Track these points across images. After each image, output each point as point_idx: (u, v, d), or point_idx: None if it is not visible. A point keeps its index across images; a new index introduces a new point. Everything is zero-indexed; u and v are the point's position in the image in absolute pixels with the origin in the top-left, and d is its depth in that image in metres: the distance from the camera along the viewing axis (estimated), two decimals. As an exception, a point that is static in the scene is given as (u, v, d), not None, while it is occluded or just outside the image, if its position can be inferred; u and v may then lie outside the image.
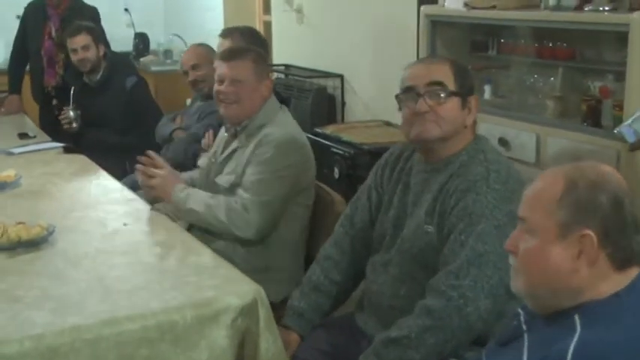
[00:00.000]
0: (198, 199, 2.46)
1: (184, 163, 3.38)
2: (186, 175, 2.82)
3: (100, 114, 4.11)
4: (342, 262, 2.12)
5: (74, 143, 3.77)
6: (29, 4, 4.74)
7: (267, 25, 6.04)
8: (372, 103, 4.57)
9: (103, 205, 2.64)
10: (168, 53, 6.82)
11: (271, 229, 2.44)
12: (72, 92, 4.13)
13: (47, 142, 3.71)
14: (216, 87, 2.56)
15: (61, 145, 3.62)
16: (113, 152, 3.96)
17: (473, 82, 1.98)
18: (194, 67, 3.60)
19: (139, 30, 6.80)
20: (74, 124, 4.07)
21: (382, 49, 4.45)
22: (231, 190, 2.48)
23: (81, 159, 3.34)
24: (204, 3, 6.60)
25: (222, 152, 2.61)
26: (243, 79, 2.51)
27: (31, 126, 4.27)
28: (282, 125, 2.51)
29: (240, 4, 6.14)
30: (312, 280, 2.12)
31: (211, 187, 2.56)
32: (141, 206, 2.63)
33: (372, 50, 4.53)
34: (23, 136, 3.84)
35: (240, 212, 2.39)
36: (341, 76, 4.72)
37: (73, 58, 4.12)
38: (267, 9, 6.05)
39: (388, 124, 4.25)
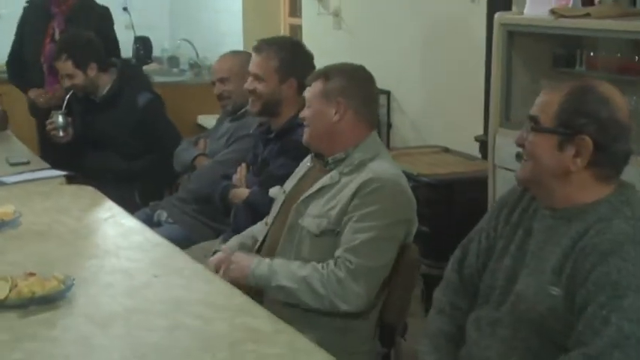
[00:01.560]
0: (285, 273, 2.39)
1: (208, 197, 3.31)
2: (234, 241, 2.76)
3: (104, 134, 4.08)
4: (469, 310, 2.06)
5: (73, 168, 3.72)
6: (27, 5, 4.71)
7: (294, 30, 6.02)
8: (424, 124, 4.51)
9: (124, 251, 2.57)
10: (173, 61, 6.78)
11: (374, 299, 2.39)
12: (67, 96, 4.11)
13: (45, 169, 3.66)
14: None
15: (62, 173, 3.56)
16: (120, 180, 3.93)
17: (587, 119, 1.87)
18: (222, 80, 3.56)
19: (139, 33, 6.77)
20: (61, 133, 4.04)
21: (438, 60, 4.39)
22: (320, 238, 2.41)
23: (88, 191, 3.29)
24: (218, 2, 6.58)
25: (295, 180, 2.57)
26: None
27: (20, 148, 4.22)
28: (389, 163, 2.47)
29: (262, 4, 6.12)
30: (444, 331, 2.06)
31: (291, 230, 2.50)
32: (170, 252, 2.57)
33: (426, 62, 4.47)
34: (16, 161, 3.79)
35: (346, 281, 2.31)
36: (387, 93, 4.66)
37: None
38: (293, 11, 6.03)
39: (447, 150, 4.18)
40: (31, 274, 2.19)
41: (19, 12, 6.13)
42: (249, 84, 3.09)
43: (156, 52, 6.90)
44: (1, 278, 2.13)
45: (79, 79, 4.05)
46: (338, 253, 2.35)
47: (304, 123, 2.58)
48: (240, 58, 3.58)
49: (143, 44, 6.79)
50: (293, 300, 2.36)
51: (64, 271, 2.24)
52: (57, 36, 4.50)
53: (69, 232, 2.76)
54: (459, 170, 3.80)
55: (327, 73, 2.54)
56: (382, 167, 2.44)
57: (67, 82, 4.07)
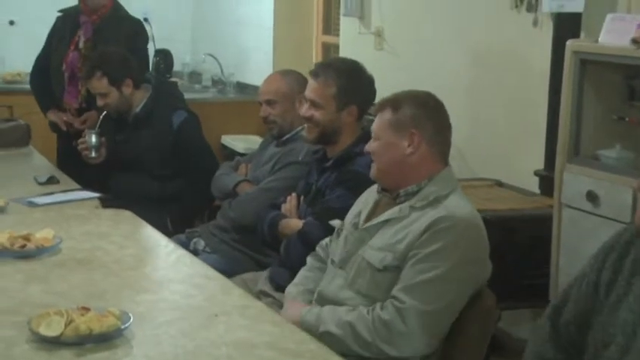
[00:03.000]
0: (332, 318, 2.35)
1: (252, 227, 3.26)
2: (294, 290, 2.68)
3: (135, 154, 4.04)
4: None
5: (100, 189, 3.67)
6: (60, 15, 4.71)
7: (327, 48, 5.99)
8: (472, 155, 4.45)
9: (176, 285, 2.53)
10: (196, 76, 6.76)
11: (439, 344, 2.32)
12: (101, 116, 4.09)
13: (76, 189, 3.64)
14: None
15: (96, 195, 3.55)
16: (151, 204, 3.86)
17: None
18: (269, 103, 3.51)
19: (160, 46, 6.71)
20: (93, 154, 4.02)
21: (489, 87, 4.34)
22: (382, 273, 2.36)
23: (127, 216, 3.25)
24: (245, 15, 6.54)
25: (366, 212, 2.51)
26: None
27: (45, 165, 4.18)
28: (464, 200, 2.43)
29: (295, 19, 6.09)
30: None
31: (347, 258, 2.45)
32: (225, 286, 2.52)
33: (475, 88, 4.42)
34: (46, 179, 3.76)
35: (393, 323, 2.26)
36: (434, 119, 4.60)
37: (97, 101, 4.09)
38: (327, 28, 6.00)
39: (500, 184, 4.11)
40: (85, 309, 2.13)
41: (34, 19, 6.23)
42: (306, 111, 3.04)
43: (177, 66, 6.86)
44: (56, 313, 2.08)
45: (114, 97, 4.02)
46: (393, 291, 2.30)
47: (371, 157, 2.53)
48: (289, 79, 3.55)
49: (164, 57, 6.71)
50: (341, 347, 2.29)
51: (115, 305, 2.20)
52: (81, 44, 4.50)
53: (114, 262, 2.70)
54: (517, 207, 3.73)
55: (396, 102, 2.50)
56: (457, 205, 2.39)
57: (100, 101, 4.04)
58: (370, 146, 2.53)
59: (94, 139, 4.00)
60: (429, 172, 2.45)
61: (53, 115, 4.57)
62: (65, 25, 4.59)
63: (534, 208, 3.69)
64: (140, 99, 4.07)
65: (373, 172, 2.53)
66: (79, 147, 4.04)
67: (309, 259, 2.74)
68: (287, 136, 3.51)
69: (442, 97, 4.50)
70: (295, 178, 3.30)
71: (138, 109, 4.07)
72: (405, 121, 2.45)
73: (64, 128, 4.52)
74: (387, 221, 2.43)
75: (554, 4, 3.69)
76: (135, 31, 4.54)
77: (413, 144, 2.44)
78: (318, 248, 2.75)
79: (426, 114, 2.48)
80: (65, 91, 4.53)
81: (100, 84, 4.00)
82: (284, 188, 3.29)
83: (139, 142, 4.03)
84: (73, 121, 4.49)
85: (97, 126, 4.06)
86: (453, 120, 4.65)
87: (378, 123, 2.51)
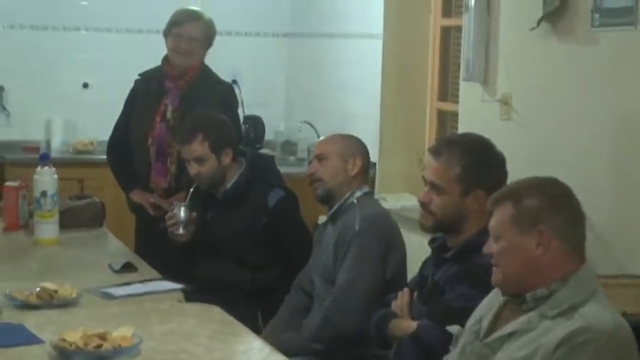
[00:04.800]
0: None
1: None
2: None
3: (223, 238, 4.11)
4: None
5: (183, 278, 3.72)
6: (140, 77, 4.84)
7: (444, 117, 6.01)
8: (618, 246, 4.36)
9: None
10: (290, 147, 6.86)
11: None
12: (192, 190, 4.18)
13: (156, 279, 3.70)
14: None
15: (178, 286, 3.59)
16: (239, 297, 3.91)
17: None
18: (319, 158, 3.70)
19: (250, 112, 6.84)
20: (181, 230, 4.09)
21: (637, 165, 4.27)
22: None
23: (215, 312, 3.28)
24: (347, 78, 6.62)
25: (489, 320, 2.50)
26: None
27: (121, 250, 4.29)
28: (606, 308, 2.40)
29: (405, 83, 6.13)
30: None
31: None
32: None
33: (624, 163, 4.35)
34: (121, 267, 3.83)
35: None
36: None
37: (188, 169, 4.17)
38: (444, 94, 6.02)
39: (655, 281, 4.03)
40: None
41: (109, 81, 6.46)
42: (424, 195, 3.05)
43: (268, 134, 7.00)
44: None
45: (211, 166, 4.09)
46: None
47: (492, 261, 2.52)
48: (348, 139, 3.80)
49: (254, 125, 6.86)
50: None
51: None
52: (169, 115, 4.61)
53: (202, 371, 2.74)
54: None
55: (516, 194, 2.49)
56: (597, 313, 2.36)
57: (194, 169, 4.11)
58: (490, 248, 2.52)
59: (182, 212, 4.08)
60: (561, 272, 2.43)
61: (138, 197, 4.65)
62: (147, 90, 4.70)
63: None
64: (233, 174, 4.15)
65: (497, 278, 2.52)
66: (167, 222, 4.11)
67: None
68: (335, 207, 3.64)
69: (581, 174, 4.49)
70: (371, 264, 3.44)
71: (229, 186, 4.14)
72: (529, 216, 2.44)
73: (152, 212, 4.57)
74: (513, 333, 2.42)
75: None
76: (224, 96, 4.65)
77: (542, 243, 2.42)
78: None
79: (555, 205, 2.46)
80: (152, 169, 4.62)
81: (200, 148, 4.07)
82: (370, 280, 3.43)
83: (227, 223, 4.10)
84: (161, 203, 4.56)
85: (187, 199, 4.14)
86: (595, 203, 4.60)
87: (498, 220, 2.50)
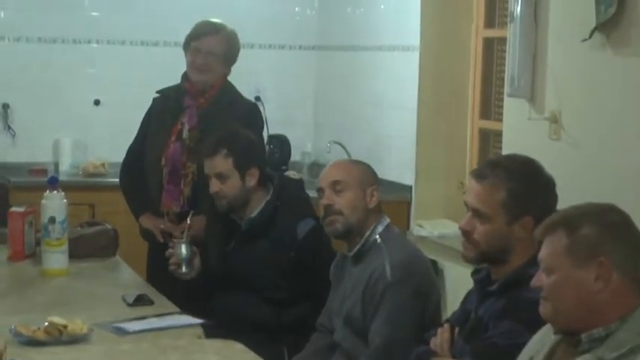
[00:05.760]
0: None
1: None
2: None
3: (246, 272, 4.10)
4: None
5: (202, 313, 3.73)
6: (158, 94, 4.86)
7: (486, 136, 6.00)
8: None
9: None
10: (318, 169, 6.80)
11: None
12: (188, 219, 4.18)
13: (173, 313, 3.71)
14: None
15: (198, 321, 3.59)
16: (264, 334, 3.92)
17: None
18: (335, 188, 3.65)
19: (274, 131, 6.87)
20: (184, 268, 4.10)
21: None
22: None
23: (237, 350, 3.28)
24: (381, 95, 6.63)
25: None
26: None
27: (135, 281, 4.31)
28: None
29: (444, 100, 6.14)
30: None
31: None
32: None
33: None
34: (135, 299, 3.84)
35: None
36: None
37: (210, 186, 4.17)
38: (486, 111, 6.01)
39: None
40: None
41: (121, 98, 6.49)
42: (467, 223, 3.04)
43: (294, 155, 7.02)
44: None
45: (234, 185, 4.09)
46: None
47: (541, 294, 2.49)
48: (360, 166, 3.81)
49: (279, 145, 6.89)
50: None
51: None
52: (185, 134, 4.62)
53: (222, 410, 2.73)
54: None
55: (570, 222, 2.47)
56: None
57: (215, 186, 4.10)
58: (540, 281, 2.50)
59: (183, 250, 4.09)
60: (621, 310, 2.40)
61: (147, 222, 4.68)
62: (165, 109, 4.73)
63: None
64: (258, 200, 4.15)
65: (547, 312, 2.49)
66: (170, 263, 4.13)
67: None
68: (358, 246, 3.61)
69: (634, 200, 4.45)
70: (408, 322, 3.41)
71: (254, 214, 4.13)
72: (587, 246, 2.42)
73: (161, 239, 4.58)
74: None
75: None
76: (248, 116, 4.66)
77: (603, 276, 2.39)
78: None
79: (614, 233, 2.44)
80: (164, 191, 4.63)
81: (224, 163, 4.08)
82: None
83: (251, 256, 4.10)
84: (171, 229, 4.57)
85: (185, 234, 4.16)
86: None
87: (550, 251, 2.48)
